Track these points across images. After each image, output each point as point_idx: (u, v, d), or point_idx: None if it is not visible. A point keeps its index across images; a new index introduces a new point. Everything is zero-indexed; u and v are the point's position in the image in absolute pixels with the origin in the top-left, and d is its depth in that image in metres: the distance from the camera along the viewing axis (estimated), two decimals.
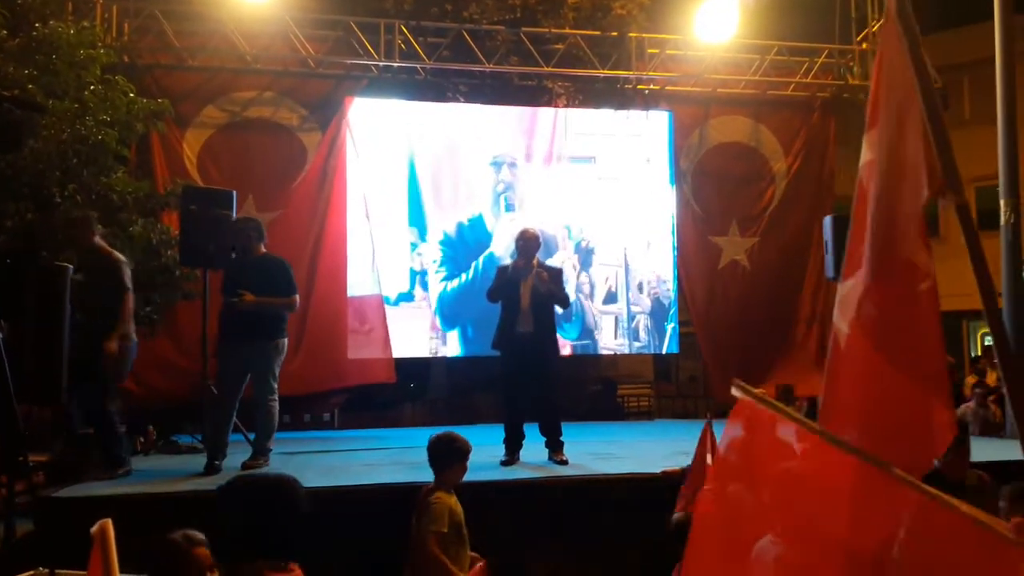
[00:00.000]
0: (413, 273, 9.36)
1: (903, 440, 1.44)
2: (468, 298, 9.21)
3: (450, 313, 9.34)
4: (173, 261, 7.21)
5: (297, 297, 5.88)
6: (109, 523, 1.90)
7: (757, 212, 10.38)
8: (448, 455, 3.70)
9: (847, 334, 1.57)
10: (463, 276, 9.38)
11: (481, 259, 9.40)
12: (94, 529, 1.91)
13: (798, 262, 10.34)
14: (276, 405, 5.72)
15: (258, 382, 5.66)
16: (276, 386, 5.70)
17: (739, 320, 10.01)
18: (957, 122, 14.13)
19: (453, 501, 3.63)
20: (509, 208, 9.59)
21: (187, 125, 8.79)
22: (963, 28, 13.26)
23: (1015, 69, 7.78)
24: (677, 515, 3.67)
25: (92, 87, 6.87)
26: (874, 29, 10.66)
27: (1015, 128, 7.67)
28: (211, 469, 5.48)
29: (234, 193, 7.24)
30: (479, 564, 3.54)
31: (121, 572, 2.94)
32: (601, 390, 10.61)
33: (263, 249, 5.88)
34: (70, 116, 6.57)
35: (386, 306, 9.12)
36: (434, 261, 9.40)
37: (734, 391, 1.22)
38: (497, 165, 9.64)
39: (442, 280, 9.38)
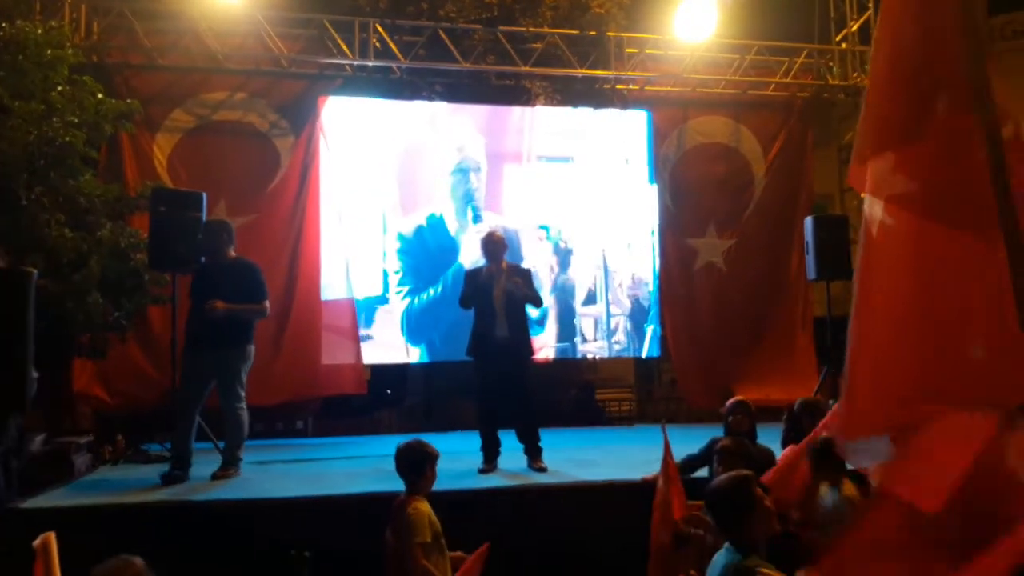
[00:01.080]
0: (387, 276, 9.21)
1: (967, 307, 1.29)
2: (437, 311, 9.04)
3: (417, 328, 9.13)
4: (142, 265, 7.04)
5: (267, 303, 5.77)
6: (52, 536, 1.88)
7: (735, 214, 10.30)
8: (419, 462, 3.62)
9: (881, 218, 1.44)
10: (431, 290, 9.18)
11: (450, 273, 9.22)
12: (36, 542, 1.88)
13: (777, 264, 10.27)
14: (245, 413, 5.64)
15: (225, 389, 5.56)
16: (243, 393, 5.61)
17: (714, 323, 9.93)
18: None
19: (429, 509, 3.55)
20: (477, 219, 9.38)
21: (157, 127, 8.61)
22: None
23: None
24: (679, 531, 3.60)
25: (60, 87, 6.69)
26: (853, 29, 10.68)
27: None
28: (171, 479, 5.38)
29: (204, 195, 7.08)
30: (483, 547, 3.51)
31: None
32: (580, 395, 10.51)
33: (233, 253, 5.78)
34: (36, 117, 6.38)
35: (360, 309, 8.99)
36: (395, 271, 9.18)
37: None
38: (463, 171, 9.46)
39: (408, 294, 9.14)
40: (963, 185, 1.39)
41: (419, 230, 9.28)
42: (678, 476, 4.08)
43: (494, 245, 5.90)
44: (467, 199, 9.46)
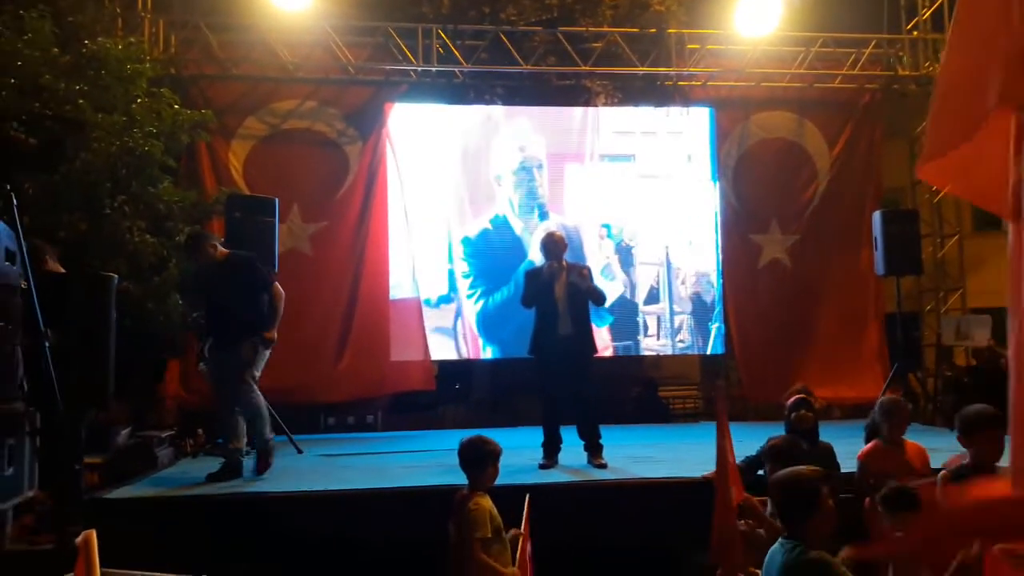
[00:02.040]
0: (452, 276, 9.40)
1: None
2: (511, 309, 9.16)
3: (492, 327, 9.32)
4: None
5: (278, 285, 5.74)
6: (93, 534, 1.96)
7: (799, 209, 10.14)
8: (481, 458, 3.69)
9: (1015, 227, 1.44)
10: (504, 290, 9.32)
11: (521, 271, 9.31)
12: (79, 540, 1.97)
13: (845, 260, 10.04)
14: (258, 396, 5.63)
15: (235, 379, 5.54)
16: (254, 382, 5.62)
17: (780, 320, 9.78)
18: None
19: (490, 504, 3.62)
20: (543, 216, 9.52)
21: (232, 136, 9.01)
22: None
23: None
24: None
25: (139, 100, 7.07)
26: (924, 17, 10.36)
27: None
28: (232, 472, 5.46)
29: (276, 200, 7.39)
30: (526, 501, 3.65)
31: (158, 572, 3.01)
32: (643, 392, 10.48)
33: (221, 251, 5.72)
34: (118, 129, 6.77)
35: (427, 308, 9.20)
36: (464, 275, 9.37)
37: None
38: (527, 170, 9.59)
39: (480, 296, 9.33)
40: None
41: (484, 233, 9.47)
42: (735, 463, 4.05)
43: (554, 244, 5.96)
44: (531, 197, 9.57)
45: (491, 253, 9.44)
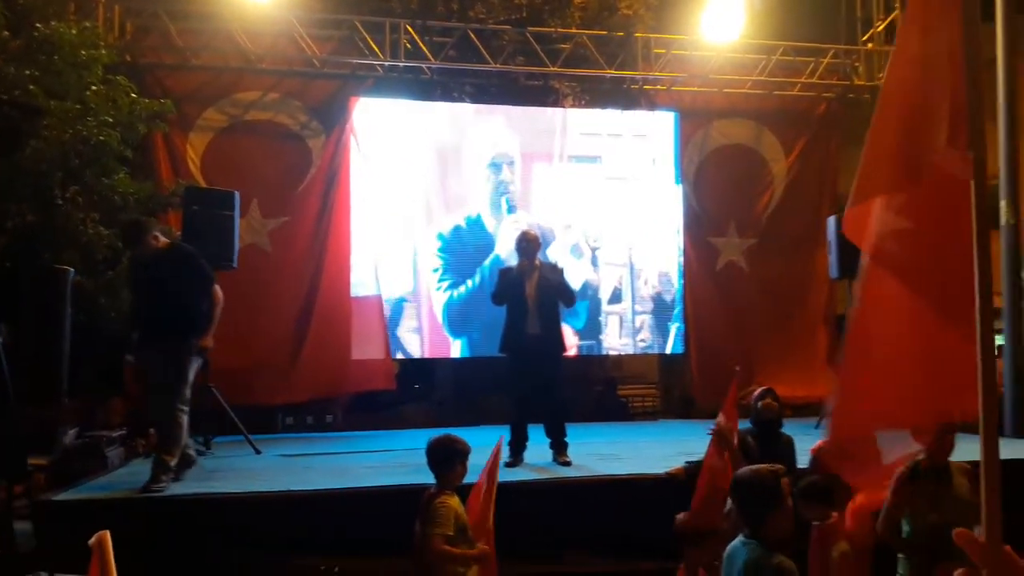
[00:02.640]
0: (416, 273, 9.31)
1: (919, 374, 1.40)
2: (476, 304, 9.14)
3: (458, 320, 9.26)
4: None
5: (218, 288, 5.37)
6: (107, 535, 1.89)
7: (756, 214, 10.33)
8: (449, 457, 3.65)
9: (865, 263, 1.54)
10: (469, 282, 9.31)
11: (487, 262, 9.33)
12: (92, 540, 1.90)
13: (800, 263, 10.28)
14: (185, 417, 5.15)
15: (169, 386, 5.11)
16: (187, 395, 5.17)
17: (736, 321, 9.94)
18: None
19: (456, 503, 3.60)
20: (511, 210, 9.52)
21: (190, 127, 8.76)
22: None
23: (1017, 70, 7.76)
24: (681, 516, 3.62)
25: (94, 87, 6.84)
26: (879, 29, 10.60)
27: (1016, 128, 7.65)
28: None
29: (236, 194, 7.23)
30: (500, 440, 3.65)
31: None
32: (604, 391, 10.55)
33: (163, 241, 5.35)
34: (72, 117, 6.53)
35: (390, 306, 9.10)
36: (434, 270, 9.31)
37: None
38: (496, 166, 9.57)
39: (448, 288, 9.29)
40: (926, 248, 1.46)
41: (457, 230, 9.41)
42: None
43: (528, 243, 5.94)
44: (501, 192, 9.55)
45: (462, 249, 9.39)
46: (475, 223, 9.46)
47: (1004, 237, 7.60)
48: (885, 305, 1.38)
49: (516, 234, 6.22)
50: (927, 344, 1.36)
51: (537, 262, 5.95)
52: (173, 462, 5.08)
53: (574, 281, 9.38)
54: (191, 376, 5.19)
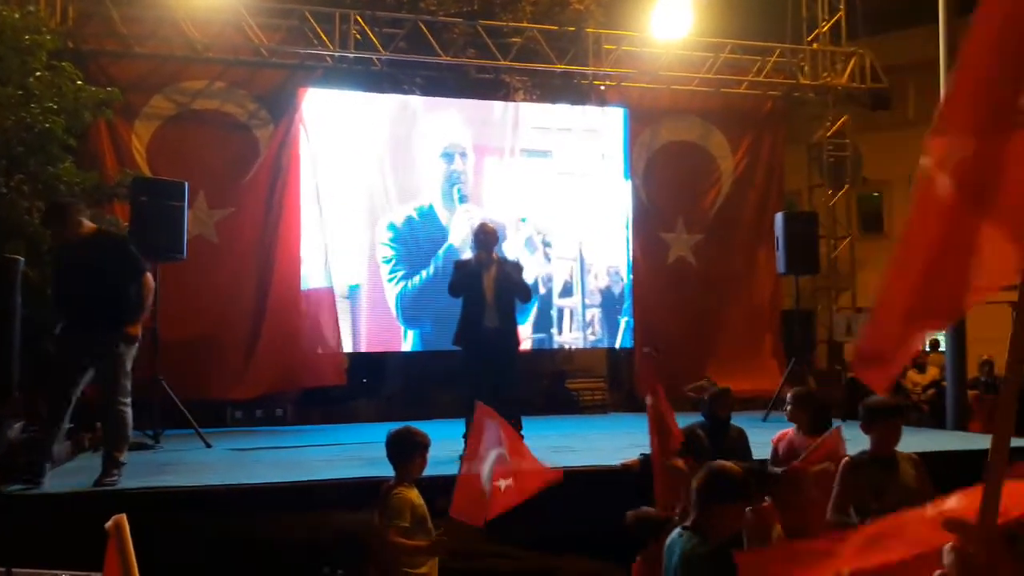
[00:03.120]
0: (368, 264, 9.27)
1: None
2: (429, 295, 9.16)
3: (411, 311, 9.27)
4: None
5: (149, 276, 5.12)
6: (124, 518, 1.86)
7: (703, 210, 10.56)
8: (408, 449, 3.69)
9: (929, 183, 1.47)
10: (423, 272, 9.33)
11: (441, 252, 9.35)
12: (108, 524, 1.88)
13: (747, 259, 10.54)
14: (129, 410, 5.01)
15: (105, 380, 4.94)
16: (128, 387, 5.00)
17: (683, 315, 10.15)
18: (901, 122, 14.55)
19: (414, 495, 3.63)
20: (463, 199, 9.55)
21: (135, 116, 8.57)
22: (908, 30, 13.65)
23: None
24: (631, 514, 3.72)
25: (38, 73, 6.66)
26: (824, 30, 10.93)
27: None
28: (30, 477, 4.74)
29: (186, 184, 7.14)
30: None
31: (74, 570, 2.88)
32: (552, 384, 10.66)
33: (88, 226, 5.09)
34: (14, 103, 6.37)
35: (339, 299, 9.05)
36: (385, 260, 9.29)
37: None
38: (448, 156, 9.60)
39: (401, 279, 9.28)
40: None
41: (409, 220, 9.41)
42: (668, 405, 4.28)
43: (486, 236, 5.97)
44: (452, 182, 9.57)
45: (415, 240, 9.39)
46: (427, 214, 9.47)
47: None
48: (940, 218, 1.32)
49: (469, 224, 6.28)
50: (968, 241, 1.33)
51: (495, 255, 5.99)
52: (123, 458, 4.97)
53: (528, 276, 9.50)
54: (129, 367, 5.00)
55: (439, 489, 4.27)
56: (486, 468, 3.56)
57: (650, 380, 4.40)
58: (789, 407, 4.75)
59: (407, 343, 9.39)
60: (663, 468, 3.96)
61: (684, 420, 5.03)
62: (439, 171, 9.56)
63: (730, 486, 2.76)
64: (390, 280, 9.28)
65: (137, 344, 5.07)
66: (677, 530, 2.79)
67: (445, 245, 9.36)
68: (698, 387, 5.22)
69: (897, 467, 3.60)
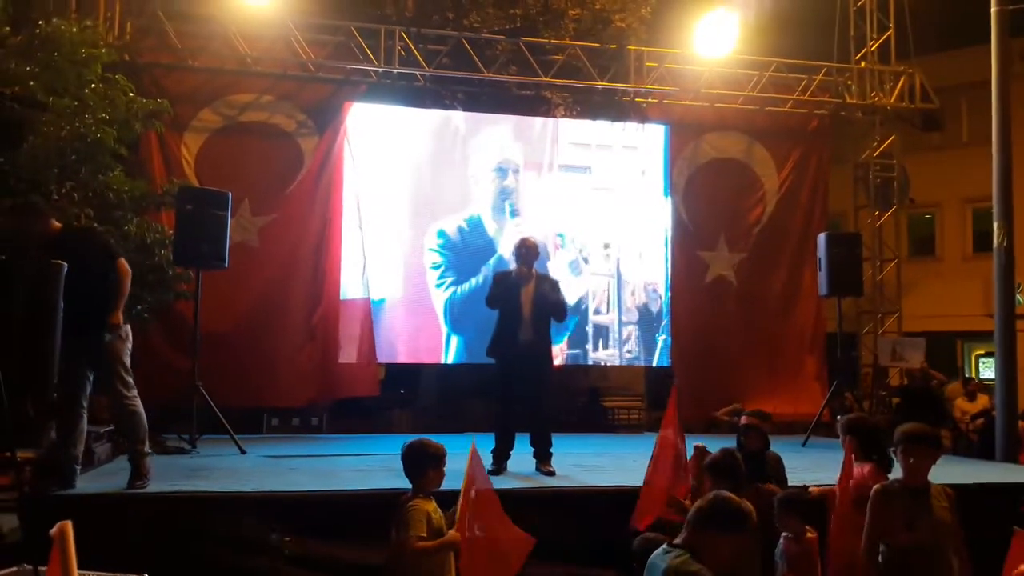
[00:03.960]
0: (405, 278, 9.37)
1: None
2: (476, 302, 9.21)
3: (459, 317, 9.34)
4: (167, 260, 7.23)
5: (123, 261, 4.97)
6: (68, 524, 1.92)
7: (746, 228, 10.43)
8: (421, 462, 3.67)
9: None
10: (473, 280, 9.40)
11: (492, 261, 9.42)
12: (53, 531, 1.94)
13: (790, 280, 10.37)
14: (138, 402, 4.96)
15: (106, 378, 4.87)
16: (130, 379, 4.93)
17: (723, 335, 10.03)
18: (955, 143, 14.23)
19: (432, 507, 3.60)
20: (514, 214, 9.66)
21: (185, 127, 8.82)
22: (961, 50, 13.36)
23: (1010, 92, 7.85)
24: (639, 539, 3.65)
25: (92, 85, 6.89)
26: (872, 48, 10.76)
27: (1010, 150, 7.73)
28: (59, 480, 4.74)
29: (229, 194, 7.30)
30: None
31: (106, 570, 2.94)
32: (588, 402, 10.61)
33: (55, 224, 4.97)
34: (69, 114, 6.58)
35: (375, 310, 9.14)
36: (434, 266, 9.39)
37: None
38: (502, 171, 9.71)
39: (450, 285, 9.39)
40: None
41: (460, 229, 9.53)
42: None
43: (527, 250, 5.97)
44: (504, 197, 9.66)
45: (465, 248, 9.52)
46: (476, 224, 9.58)
47: (996, 259, 7.68)
48: None
49: (515, 239, 6.29)
50: None
51: (535, 271, 5.98)
52: (147, 448, 4.98)
53: (569, 296, 9.49)
54: (126, 358, 4.91)
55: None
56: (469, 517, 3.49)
57: (669, 412, 4.31)
58: (841, 433, 4.60)
59: (450, 351, 9.39)
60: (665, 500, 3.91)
61: (717, 444, 4.97)
62: (491, 185, 9.69)
63: (731, 517, 2.71)
64: (438, 286, 9.39)
65: (124, 334, 4.94)
66: (663, 547, 2.73)
67: (495, 256, 9.44)
68: (732, 410, 5.12)
69: (929, 498, 3.49)
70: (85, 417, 4.92)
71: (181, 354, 7.79)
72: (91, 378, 4.90)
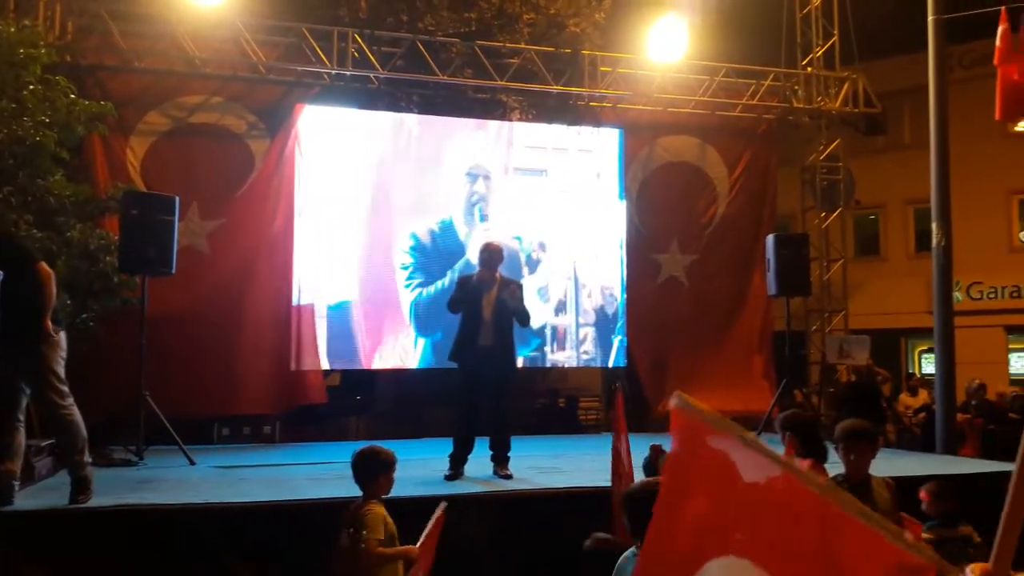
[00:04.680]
0: (360, 283, 9.26)
1: None
2: (442, 305, 9.16)
3: (426, 317, 9.26)
4: (112, 267, 7.04)
5: (43, 265, 4.82)
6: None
7: (698, 230, 10.58)
8: (371, 469, 3.68)
9: None
10: (439, 283, 9.34)
11: (457, 265, 9.36)
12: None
13: (739, 280, 10.54)
14: (75, 411, 4.76)
15: (38, 388, 4.71)
16: (65, 388, 4.75)
17: (675, 335, 10.15)
18: (898, 146, 14.62)
19: (384, 512, 3.62)
20: (483, 218, 9.62)
21: (131, 131, 8.57)
22: (902, 57, 13.74)
23: (948, 98, 8.11)
24: (591, 539, 3.65)
25: (31, 87, 6.67)
26: (818, 55, 11.01)
27: (947, 154, 7.98)
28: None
29: (177, 199, 7.14)
30: (440, 509, 3.53)
31: None
32: (548, 403, 10.64)
33: None
34: (7, 116, 6.37)
35: (329, 315, 9.02)
36: (403, 267, 9.32)
37: (672, 402, 1.22)
38: (472, 176, 9.66)
39: (417, 286, 9.32)
40: None
41: (431, 232, 9.46)
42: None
43: (490, 254, 5.94)
44: (474, 202, 9.63)
45: (435, 251, 9.45)
46: (448, 227, 9.53)
47: (935, 258, 7.91)
48: None
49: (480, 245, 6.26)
50: None
51: (498, 275, 5.95)
52: (87, 458, 4.83)
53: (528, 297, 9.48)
54: (56, 366, 4.71)
55: (419, 510, 4.24)
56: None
57: (617, 418, 4.37)
58: (780, 430, 4.69)
59: (417, 354, 9.30)
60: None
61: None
62: (462, 189, 9.62)
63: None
64: (406, 287, 9.30)
65: (55, 341, 4.74)
66: (631, 549, 2.73)
67: (463, 259, 9.39)
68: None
69: (871, 491, 3.58)
70: (22, 430, 4.77)
71: (127, 363, 7.58)
72: (27, 390, 4.74)
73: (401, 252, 9.33)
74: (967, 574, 1.17)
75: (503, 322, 5.90)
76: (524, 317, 6.05)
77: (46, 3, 8.26)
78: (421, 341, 9.28)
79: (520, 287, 6.15)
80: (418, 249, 9.40)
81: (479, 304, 5.85)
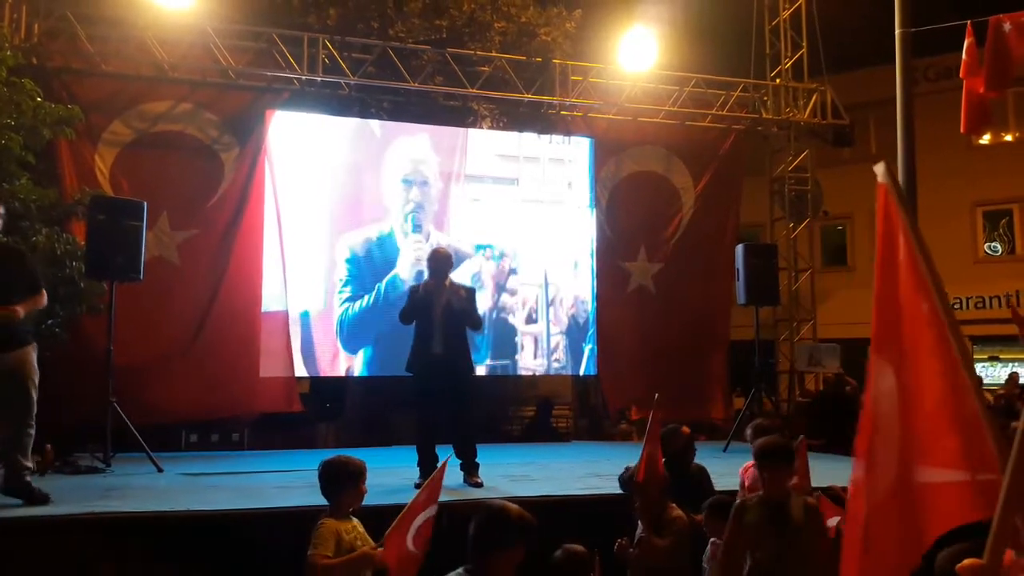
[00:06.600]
0: (328, 289, 9.21)
1: None
2: (370, 320, 9.11)
3: (351, 335, 9.18)
4: (79, 273, 6.93)
5: (45, 293, 4.94)
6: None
7: (664, 239, 10.67)
8: (337, 479, 3.50)
9: None
10: (366, 298, 9.26)
11: (384, 281, 9.30)
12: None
13: (705, 288, 10.62)
14: (32, 431, 4.85)
15: (13, 405, 4.75)
16: (33, 411, 4.82)
17: (641, 343, 10.20)
18: (865, 157, 14.87)
19: (347, 527, 3.43)
20: (416, 229, 9.52)
21: (97, 138, 8.44)
22: (869, 69, 14.03)
23: (914, 109, 8.26)
24: (559, 552, 3.53)
25: None
26: (787, 66, 11.18)
27: (914, 165, 8.11)
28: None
29: (144, 204, 7.06)
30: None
31: None
32: (519, 411, 10.65)
33: None
34: None
35: (298, 323, 8.96)
36: (340, 280, 9.24)
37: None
38: (408, 183, 9.60)
39: (344, 301, 9.22)
40: None
41: (367, 244, 9.37)
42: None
43: (438, 261, 5.92)
44: (408, 211, 9.56)
45: (370, 264, 9.34)
46: (387, 239, 9.45)
47: None
48: None
49: (415, 255, 6.22)
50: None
51: (447, 282, 5.93)
52: (29, 463, 4.89)
53: (485, 302, 9.47)
54: (34, 392, 4.79)
55: (389, 519, 4.22)
56: (412, 530, 3.42)
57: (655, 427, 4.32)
58: (751, 438, 4.74)
59: (357, 367, 9.24)
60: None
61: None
62: (398, 197, 9.55)
63: (505, 529, 2.72)
64: (341, 304, 9.22)
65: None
66: (459, 570, 2.70)
67: (391, 274, 9.32)
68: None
69: (789, 509, 3.51)
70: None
71: (94, 370, 7.46)
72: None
73: (341, 265, 9.27)
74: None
75: (454, 328, 5.86)
76: (475, 322, 6.05)
77: (12, 5, 8.13)
78: (360, 354, 9.22)
79: (471, 292, 6.15)
80: (353, 262, 9.31)
81: (430, 313, 5.82)
